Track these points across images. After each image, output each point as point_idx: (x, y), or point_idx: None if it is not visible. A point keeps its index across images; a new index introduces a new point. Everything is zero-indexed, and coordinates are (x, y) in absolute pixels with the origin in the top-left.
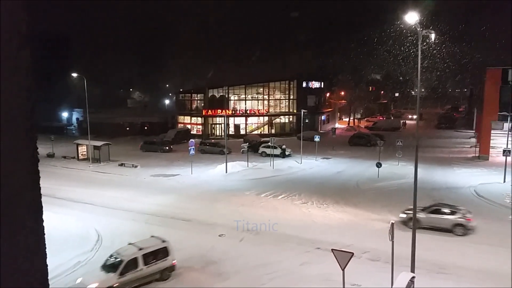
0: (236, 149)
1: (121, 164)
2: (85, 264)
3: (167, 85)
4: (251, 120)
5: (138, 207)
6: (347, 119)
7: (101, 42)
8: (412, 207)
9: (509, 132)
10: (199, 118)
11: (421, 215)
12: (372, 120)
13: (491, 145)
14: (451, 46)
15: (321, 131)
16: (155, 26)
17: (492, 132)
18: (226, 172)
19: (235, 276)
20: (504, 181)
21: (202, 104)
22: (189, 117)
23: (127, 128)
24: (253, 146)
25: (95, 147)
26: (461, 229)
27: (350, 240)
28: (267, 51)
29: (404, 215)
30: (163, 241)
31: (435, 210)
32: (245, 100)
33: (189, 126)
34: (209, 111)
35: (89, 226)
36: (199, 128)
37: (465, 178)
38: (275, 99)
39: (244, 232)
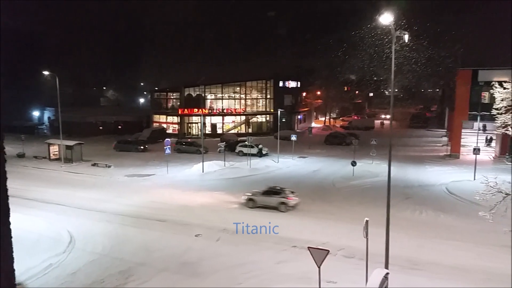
0: (213, 149)
1: (94, 164)
2: (57, 267)
3: (142, 84)
4: (228, 119)
5: (112, 208)
6: (323, 119)
7: (74, 39)
8: (255, 191)
9: (479, 131)
10: (175, 117)
11: (256, 197)
12: (347, 119)
13: (461, 143)
14: (424, 47)
15: (297, 130)
16: (129, 24)
17: (462, 131)
18: (203, 171)
19: (212, 276)
20: (474, 179)
21: (178, 103)
22: (164, 116)
23: (100, 127)
24: (230, 145)
25: (67, 147)
26: (283, 207)
27: (326, 238)
28: (244, 50)
29: (245, 197)
30: None
31: (266, 192)
32: (222, 99)
33: (164, 125)
34: (185, 110)
35: (62, 228)
36: (175, 127)
37: (437, 176)
38: (252, 98)
39: (220, 232)
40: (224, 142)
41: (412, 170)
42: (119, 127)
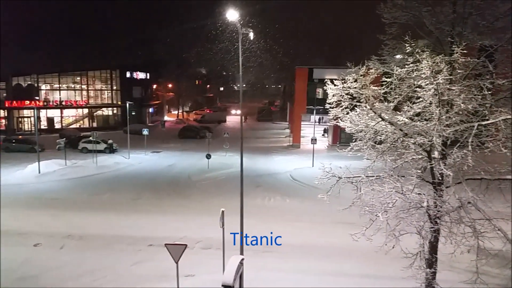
0: (51, 146)
1: None
2: None
3: None
4: (68, 112)
5: None
6: (176, 112)
7: None
8: None
9: (315, 123)
10: (1, 111)
11: None
12: (201, 113)
13: (301, 134)
14: (268, 45)
15: (149, 124)
16: None
17: (302, 123)
18: (39, 172)
19: None
20: (313, 166)
21: (5, 94)
22: None
23: None
24: (72, 141)
25: None
26: None
27: (184, 232)
28: (85, 37)
29: None
30: None
31: None
32: (60, 90)
33: None
34: (14, 102)
35: None
36: (2, 123)
37: (282, 165)
38: (95, 90)
39: (65, 238)
40: (64, 138)
41: (261, 160)
42: None
